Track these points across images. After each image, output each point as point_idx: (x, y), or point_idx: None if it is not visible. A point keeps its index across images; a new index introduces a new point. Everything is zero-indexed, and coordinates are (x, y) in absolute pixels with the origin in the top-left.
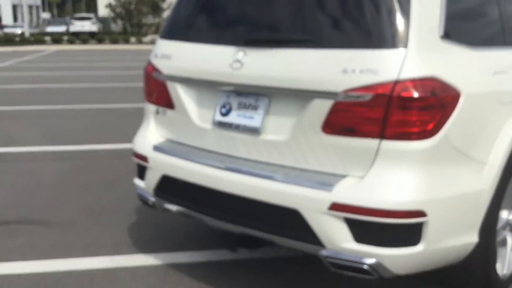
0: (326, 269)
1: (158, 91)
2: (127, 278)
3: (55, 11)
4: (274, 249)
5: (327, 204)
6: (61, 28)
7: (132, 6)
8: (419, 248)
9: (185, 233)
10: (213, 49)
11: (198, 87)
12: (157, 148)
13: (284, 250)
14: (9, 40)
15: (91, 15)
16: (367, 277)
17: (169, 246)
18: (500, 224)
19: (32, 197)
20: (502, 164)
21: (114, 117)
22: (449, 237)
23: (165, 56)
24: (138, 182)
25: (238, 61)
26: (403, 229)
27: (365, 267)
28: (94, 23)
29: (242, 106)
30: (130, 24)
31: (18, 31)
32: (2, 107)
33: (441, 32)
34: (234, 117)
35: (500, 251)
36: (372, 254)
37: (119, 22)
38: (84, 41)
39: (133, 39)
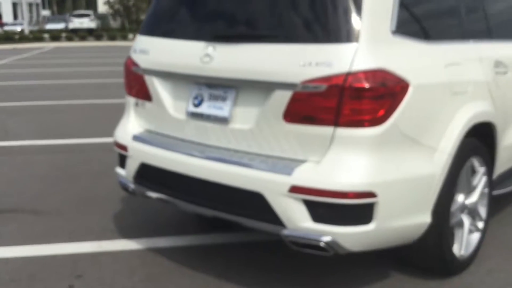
0: (297, 254)
1: (137, 85)
2: (109, 261)
3: (55, 8)
4: (249, 233)
5: (287, 187)
6: (60, 25)
7: (131, 3)
8: (371, 226)
9: (167, 219)
10: (186, 44)
11: (172, 80)
12: (136, 138)
13: (258, 235)
14: (8, 37)
15: (90, 12)
16: (324, 253)
17: (151, 231)
18: (455, 206)
19: (23, 188)
20: (453, 150)
21: (106, 112)
22: (400, 217)
23: (143, 51)
24: (119, 170)
25: (208, 55)
26: (355, 209)
27: (321, 244)
28: (92, 20)
29: (213, 98)
30: (128, 21)
31: (18, 28)
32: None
33: (393, 27)
34: (205, 108)
35: (457, 233)
36: (328, 232)
37: (118, 18)
38: (82, 38)
39: (131, 35)
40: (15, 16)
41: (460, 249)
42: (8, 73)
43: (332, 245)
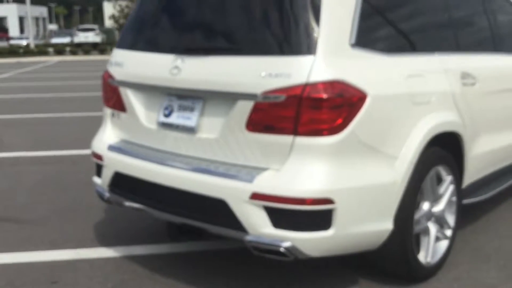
0: (267, 262)
1: (113, 96)
2: (85, 268)
3: (62, 23)
4: (222, 242)
5: (248, 194)
6: (65, 39)
7: None
8: (330, 232)
9: (145, 228)
10: (157, 57)
11: (145, 91)
12: (111, 148)
13: (230, 244)
14: (13, 51)
15: (95, 26)
16: (284, 259)
17: (129, 239)
18: (419, 214)
19: (11, 198)
20: (414, 159)
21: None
22: (360, 223)
23: (118, 64)
24: (96, 179)
25: (176, 67)
26: (313, 215)
27: (281, 249)
28: (97, 34)
29: (182, 108)
30: None
31: (24, 42)
32: None
33: (352, 41)
34: (175, 118)
35: (423, 240)
36: (288, 238)
37: None
38: (87, 52)
39: None
40: (22, 30)
41: (426, 256)
42: (10, 86)
43: (291, 251)
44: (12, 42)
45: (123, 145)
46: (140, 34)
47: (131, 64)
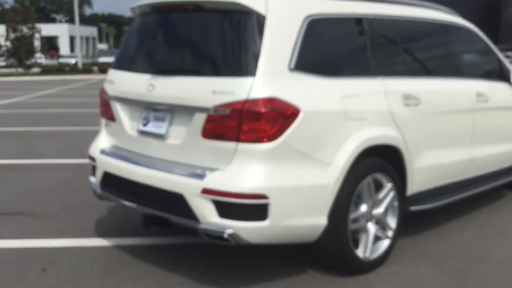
0: (223, 252)
1: (106, 108)
2: (80, 254)
3: (112, 42)
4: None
5: (200, 189)
6: (111, 58)
7: None
8: (266, 223)
9: (135, 221)
10: (138, 76)
11: (129, 104)
12: (102, 151)
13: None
14: (60, 69)
15: None
16: (229, 243)
17: (123, 232)
18: (355, 214)
19: (28, 197)
20: (346, 165)
21: None
22: (294, 217)
23: (110, 81)
24: (91, 178)
25: (152, 85)
26: (251, 208)
27: (225, 236)
28: None
29: (156, 119)
30: None
31: (72, 61)
32: (34, 127)
33: (292, 65)
34: (150, 127)
35: (361, 237)
36: (230, 226)
37: None
38: None
39: None
40: (72, 49)
41: (364, 251)
42: (51, 102)
43: (233, 237)
44: (62, 60)
45: (112, 149)
46: (127, 58)
47: (120, 81)
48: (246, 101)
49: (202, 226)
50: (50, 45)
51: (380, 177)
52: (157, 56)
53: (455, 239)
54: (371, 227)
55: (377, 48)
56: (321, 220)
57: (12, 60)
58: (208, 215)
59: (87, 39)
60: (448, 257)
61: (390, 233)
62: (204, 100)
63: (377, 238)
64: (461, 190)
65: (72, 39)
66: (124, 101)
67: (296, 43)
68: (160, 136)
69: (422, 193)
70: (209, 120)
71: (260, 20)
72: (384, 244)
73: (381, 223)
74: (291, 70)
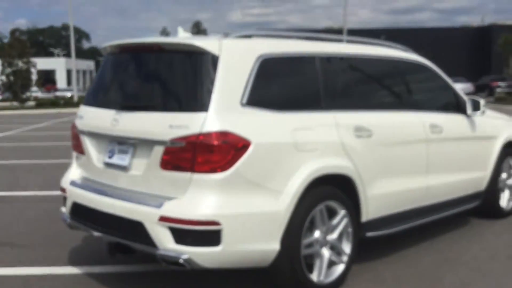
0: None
1: (76, 142)
2: (52, 280)
3: None
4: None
5: (157, 217)
6: None
7: None
8: (219, 248)
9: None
10: (103, 111)
11: (96, 138)
12: (72, 183)
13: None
14: (55, 103)
15: None
16: (185, 268)
17: (95, 260)
18: (308, 240)
19: (11, 228)
20: (298, 193)
21: None
22: (247, 243)
23: (80, 117)
24: (62, 208)
25: (115, 119)
26: (204, 234)
27: (181, 261)
28: None
29: (120, 151)
30: None
31: (69, 94)
32: (21, 161)
33: (244, 101)
34: (115, 159)
35: (316, 262)
36: (186, 252)
37: None
38: None
39: None
40: (69, 83)
41: (319, 275)
42: (43, 135)
43: (189, 262)
44: (58, 93)
45: (81, 180)
46: (96, 94)
47: (88, 117)
48: (200, 135)
49: (160, 252)
50: (47, 78)
51: (333, 204)
52: (121, 93)
53: (412, 264)
54: (325, 252)
55: (329, 84)
56: (273, 245)
57: (7, 94)
58: (165, 241)
59: (84, 72)
60: (403, 281)
61: (345, 258)
62: (162, 133)
63: (332, 263)
64: (418, 216)
65: (69, 72)
66: (92, 135)
67: (248, 80)
68: (123, 168)
69: (378, 219)
70: (166, 152)
71: (214, 60)
72: (339, 268)
73: (336, 249)
74: (243, 105)
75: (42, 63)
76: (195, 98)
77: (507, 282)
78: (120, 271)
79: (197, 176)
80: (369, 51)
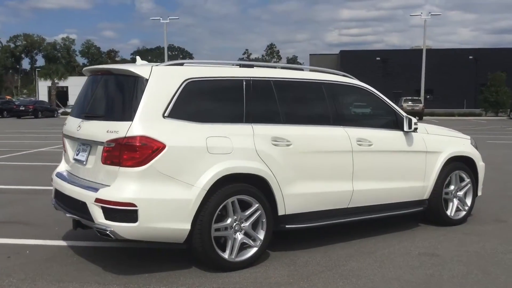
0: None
1: (63, 143)
2: (41, 248)
3: None
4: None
5: (94, 199)
6: None
7: None
8: (136, 224)
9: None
10: (75, 119)
11: (70, 139)
12: (56, 174)
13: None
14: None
15: None
16: (111, 238)
17: (79, 236)
18: (221, 225)
19: (27, 213)
20: (207, 187)
21: None
22: (161, 221)
23: (65, 124)
24: (52, 194)
25: (79, 125)
26: (124, 213)
27: (108, 232)
28: None
29: (82, 150)
30: None
31: None
32: None
33: (166, 114)
34: (79, 156)
35: (228, 242)
36: (111, 226)
37: None
38: None
39: None
40: None
41: (230, 254)
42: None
43: (113, 234)
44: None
45: (63, 172)
46: (74, 107)
47: (68, 124)
48: (125, 138)
49: (95, 225)
50: None
51: (247, 198)
52: (85, 105)
53: (328, 254)
54: (239, 236)
55: (251, 102)
56: (185, 226)
57: None
58: (98, 217)
59: None
60: (310, 264)
61: (258, 243)
62: (103, 137)
63: (245, 245)
64: (343, 216)
65: None
66: (68, 137)
67: (172, 98)
68: (82, 162)
69: (297, 215)
70: (104, 150)
71: (143, 82)
72: (252, 251)
73: (250, 234)
74: (164, 117)
75: None
76: (125, 110)
77: (398, 271)
78: (100, 246)
79: (122, 169)
80: (296, 75)
